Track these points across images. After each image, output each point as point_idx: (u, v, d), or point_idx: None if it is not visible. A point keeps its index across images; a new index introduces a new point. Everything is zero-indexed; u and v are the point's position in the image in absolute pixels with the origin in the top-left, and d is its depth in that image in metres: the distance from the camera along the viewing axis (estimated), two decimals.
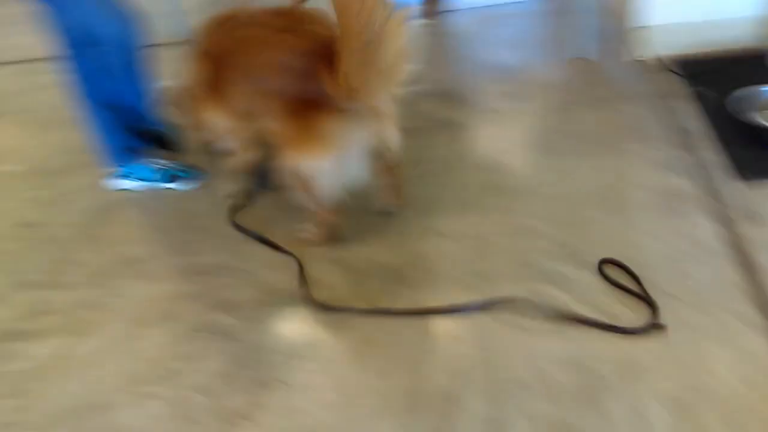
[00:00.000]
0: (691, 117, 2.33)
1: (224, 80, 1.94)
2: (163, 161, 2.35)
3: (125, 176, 2.32)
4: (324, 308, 1.81)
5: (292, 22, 1.81)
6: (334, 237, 2.02)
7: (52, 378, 1.73)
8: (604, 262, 1.83)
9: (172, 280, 1.98)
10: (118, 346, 1.80)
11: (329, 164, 1.81)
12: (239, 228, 2.13)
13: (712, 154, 2.14)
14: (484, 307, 1.74)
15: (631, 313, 1.68)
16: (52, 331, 1.87)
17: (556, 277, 1.81)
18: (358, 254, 1.97)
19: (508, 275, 1.83)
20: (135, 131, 2.27)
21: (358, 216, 2.10)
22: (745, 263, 1.76)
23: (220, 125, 2.05)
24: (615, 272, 1.78)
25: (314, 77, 1.69)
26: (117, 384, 1.69)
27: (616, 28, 2.82)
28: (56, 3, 1.89)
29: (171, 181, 2.33)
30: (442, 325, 1.73)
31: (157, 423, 1.58)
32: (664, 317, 1.65)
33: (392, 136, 1.86)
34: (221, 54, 1.94)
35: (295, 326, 1.80)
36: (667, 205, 2.00)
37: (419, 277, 1.87)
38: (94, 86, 2.13)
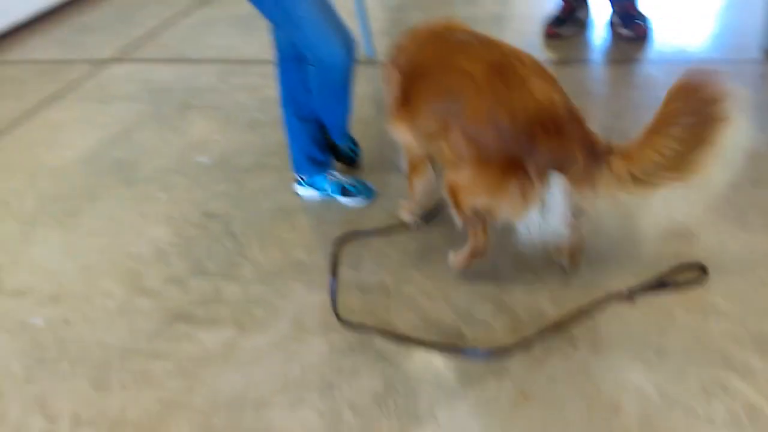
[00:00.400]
0: None
1: (419, 97, 1.92)
2: (339, 174, 2.42)
3: (306, 185, 2.42)
4: (349, 326, 1.88)
5: (509, 67, 1.73)
6: (478, 260, 1.99)
7: (216, 366, 1.83)
8: None
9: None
10: (280, 346, 1.86)
11: (505, 212, 1.76)
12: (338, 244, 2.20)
13: None
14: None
15: None
16: (221, 321, 1.98)
17: (740, 367, 1.65)
18: (521, 300, 1.92)
19: (688, 355, 1.70)
20: (325, 145, 2.36)
21: (524, 259, 2.04)
22: None
23: (404, 138, 2.07)
24: None
25: (525, 140, 1.65)
26: (275, 384, 1.75)
27: None
28: (284, 21, 1.97)
29: (343, 194, 2.39)
30: (605, 393, 1.63)
31: (306, 431, 1.61)
32: None
33: (588, 208, 1.78)
34: (423, 68, 1.91)
35: (449, 361, 1.77)
36: None
37: (585, 338, 1.78)
38: (298, 99, 2.24)
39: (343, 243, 2.20)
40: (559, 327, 1.79)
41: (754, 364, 1.66)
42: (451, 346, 1.79)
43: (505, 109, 1.67)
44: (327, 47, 1.95)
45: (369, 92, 3.12)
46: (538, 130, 1.64)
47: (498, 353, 1.75)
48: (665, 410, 1.57)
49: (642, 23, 3.31)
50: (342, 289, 2.03)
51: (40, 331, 2.03)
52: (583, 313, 1.82)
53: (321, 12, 1.94)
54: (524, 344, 1.76)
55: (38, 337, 2.01)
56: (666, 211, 2.19)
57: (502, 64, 1.73)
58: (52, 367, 1.90)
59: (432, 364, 1.78)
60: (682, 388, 1.62)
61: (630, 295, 1.83)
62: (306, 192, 2.44)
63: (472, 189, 1.78)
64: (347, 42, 1.97)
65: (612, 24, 3.49)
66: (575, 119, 1.69)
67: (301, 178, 2.42)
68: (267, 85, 3.28)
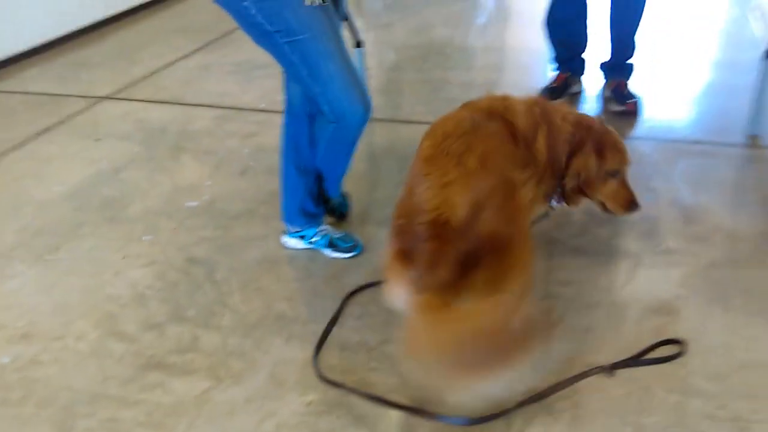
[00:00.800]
0: None
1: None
2: (328, 227, 2.42)
3: (296, 236, 2.41)
4: (328, 383, 1.84)
5: (444, 158, 1.80)
6: None
7: (187, 418, 1.78)
8: None
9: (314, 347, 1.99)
10: (256, 402, 1.82)
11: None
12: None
13: None
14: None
15: None
16: (196, 371, 1.93)
17: None
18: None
19: None
20: (319, 198, 2.36)
21: None
22: None
23: None
24: None
25: (412, 235, 1.72)
26: None
27: None
28: (308, 77, 1.96)
29: (330, 247, 2.38)
30: None
31: None
32: None
33: None
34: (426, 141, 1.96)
35: (428, 427, 1.73)
36: None
37: (565, 411, 1.75)
38: (301, 152, 2.25)
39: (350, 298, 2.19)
40: (539, 398, 1.77)
41: None
42: (431, 411, 1.76)
43: (412, 196, 1.78)
44: (350, 105, 1.97)
45: (361, 147, 3.13)
46: (421, 230, 1.71)
47: (477, 421, 1.71)
48: None
49: (632, 100, 3.40)
50: (323, 346, 2.00)
51: (6, 370, 1.97)
52: (563, 386, 1.80)
53: (346, 70, 1.96)
54: (504, 414, 1.73)
55: (4, 377, 1.94)
56: (648, 287, 2.21)
57: (435, 155, 1.82)
58: (16, 410, 1.83)
59: (411, 428, 1.74)
60: None
61: (610, 370, 1.82)
62: (294, 243, 2.42)
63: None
64: (366, 100, 2.00)
65: (604, 98, 3.57)
66: (453, 234, 1.69)
67: (291, 229, 2.40)
68: (261, 133, 3.31)
